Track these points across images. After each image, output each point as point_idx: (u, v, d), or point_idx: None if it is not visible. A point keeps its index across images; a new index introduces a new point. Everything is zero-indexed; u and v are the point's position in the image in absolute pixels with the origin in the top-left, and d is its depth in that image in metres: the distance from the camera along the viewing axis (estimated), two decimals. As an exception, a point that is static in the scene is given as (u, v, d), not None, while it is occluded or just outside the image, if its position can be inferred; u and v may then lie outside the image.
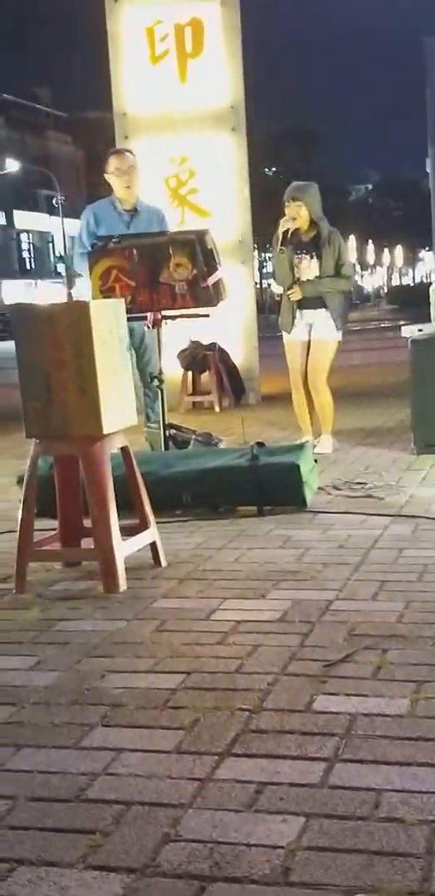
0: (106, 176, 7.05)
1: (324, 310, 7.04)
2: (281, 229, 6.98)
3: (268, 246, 7.49)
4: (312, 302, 7.05)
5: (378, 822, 2.07)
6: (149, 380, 6.27)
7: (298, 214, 7.00)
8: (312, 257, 7.03)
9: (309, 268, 7.03)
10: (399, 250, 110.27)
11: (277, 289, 7.67)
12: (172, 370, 9.57)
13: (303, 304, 7.07)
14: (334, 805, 2.14)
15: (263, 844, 2.00)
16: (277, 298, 7.89)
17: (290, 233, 6.97)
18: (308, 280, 7.03)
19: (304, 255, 7.04)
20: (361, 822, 2.07)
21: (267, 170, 57.79)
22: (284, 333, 7.22)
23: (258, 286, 48.43)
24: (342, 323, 7.17)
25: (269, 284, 61.43)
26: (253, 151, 11.63)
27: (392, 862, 1.92)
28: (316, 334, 7.10)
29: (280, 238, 6.97)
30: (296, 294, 7.01)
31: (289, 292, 7.07)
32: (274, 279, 7.61)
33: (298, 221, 7.01)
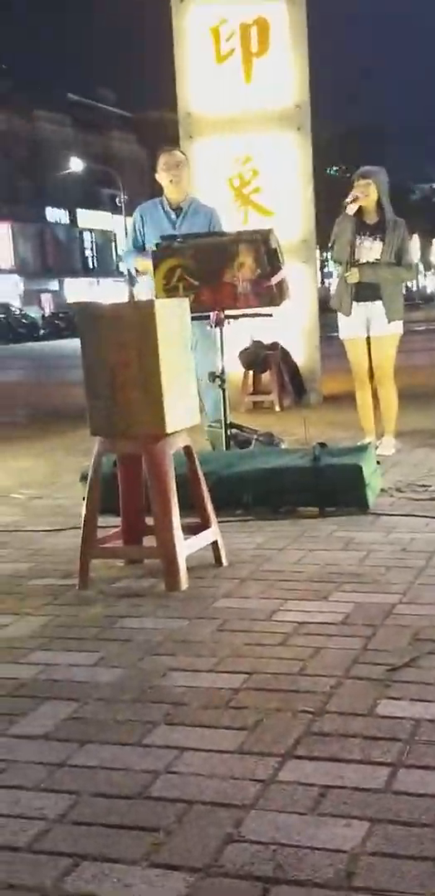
0: (156, 175, 7.08)
1: (380, 302, 6.94)
2: (350, 199, 6.88)
3: (329, 245, 7.36)
4: (368, 292, 6.91)
5: (443, 829, 2.04)
6: (210, 378, 6.27)
7: (367, 192, 6.91)
8: (374, 239, 6.94)
9: (371, 249, 6.92)
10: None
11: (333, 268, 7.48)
12: (233, 369, 9.58)
13: (359, 293, 6.93)
14: (399, 811, 2.13)
15: (327, 848, 1.99)
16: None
17: (357, 206, 6.87)
18: (368, 262, 6.94)
19: (367, 237, 6.95)
20: (426, 828, 2.05)
21: (329, 170, 57.55)
22: (342, 330, 7.12)
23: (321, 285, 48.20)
24: (400, 315, 7.06)
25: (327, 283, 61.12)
26: (317, 150, 11.58)
27: (458, 870, 1.89)
28: (375, 331, 7.01)
29: (350, 201, 6.85)
30: (354, 276, 6.89)
31: (347, 274, 6.97)
32: (331, 253, 7.43)
33: (367, 200, 6.92)
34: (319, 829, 2.07)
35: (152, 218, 7.02)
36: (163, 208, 7.05)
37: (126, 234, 8.36)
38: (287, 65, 10.29)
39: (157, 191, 7.20)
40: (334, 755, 2.40)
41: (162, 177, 7.01)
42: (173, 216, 7.01)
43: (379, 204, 6.97)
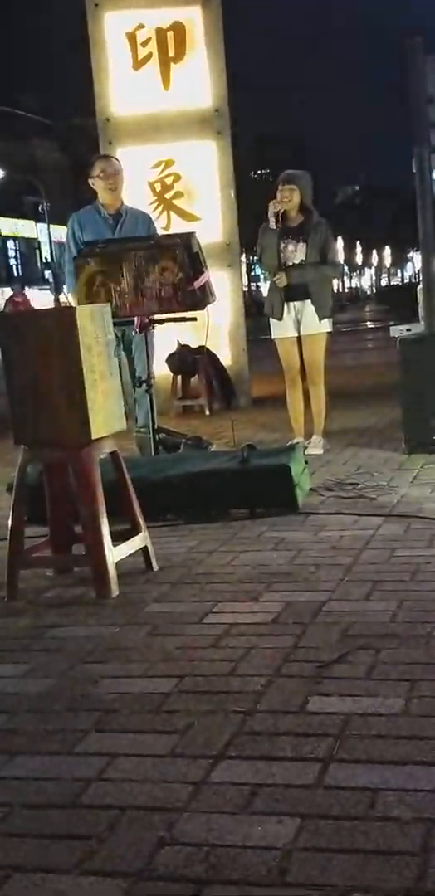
0: (90, 181, 7.05)
1: (309, 301, 7.03)
2: (272, 210, 6.98)
3: (255, 248, 7.50)
4: (297, 291, 7.03)
5: (374, 821, 2.06)
6: (138, 384, 6.28)
7: (290, 198, 7.01)
8: (299, 241, 7.04)
9: (295, 251, 7.03)
10: (387, 251, 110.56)
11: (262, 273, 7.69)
12: (162, 374, 9.57)
13: (289, 293, 7.04)
14: (330, 805, 2.14)
15: (259, 846, 2.00)
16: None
17: (280, 215, 6.97)
18: (294, 265, 7.03)
19: (290, 240, 7.05)
20: (357, 821, 2.07)
21: (253, 173, 57.76)
22: (274, 330, 7.20)
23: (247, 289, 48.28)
24: (328, 313, 7.17)
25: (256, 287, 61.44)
26: (240, 155, 11.63)
27: (388, 861, 1.92)
28: (306, 329, 7.10)
29: (272, 221, 6.96)
30: (282, 280, 7.00)
31: (275, 278, 7.07)
32: (259, 260, 7.59)
33: (289, 205, 7.01)
34: (252, 828, 2.07)
35: (91, 224, 6.98)
36: (100, 213, 7.03)
37: (50, 241, 8.30)
38: (205, 69, 10.31)
39: (80, 197, 7.15)
40: (266, 754, 2.41)
41: (98, 184, 6.99)
42: (112, 222, 6.99)
43: (302, 207, 7.07)
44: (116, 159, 7.41)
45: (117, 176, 7.00)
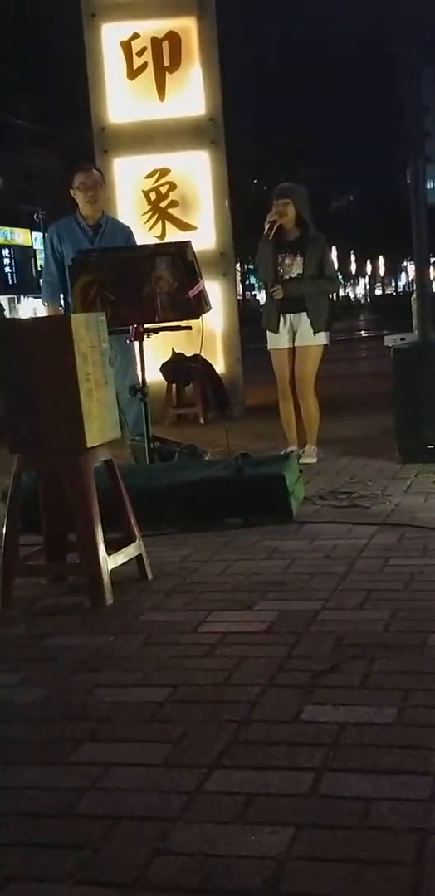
0: (71, 191, 7.10)
1: (305, 314, 7.05)
2: (268, 222, 7.00)
3: (250, 258, 7.58)
4: (294, 304, 7.04)
5: (368, 830, 2.07)
6: (132, 392, 6.29)
7: (285, 211, 7.02)
8: (296, 255, 7.05)
9: (292, 265, 7.05)
10: (381, 261, 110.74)
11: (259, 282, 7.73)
12: (157, 382, 9.58)
13: (285, 306, 7.06)
14: (324, 815, 2.14)
15: (253, 856, 2.00)
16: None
17: (275, 228, 6.99)
18: (290, 278, 7.04)
19: (287, 253, 7.06)
20: (351, 831, 2.07)
21: (251, 183, 57.76)
22: (269, 342, 7.22)
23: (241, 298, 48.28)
24: (325, 327, 7.18)
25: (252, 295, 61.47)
26: (238, 166, 11.65)
27: (382, 870, 1.92)
28: (300, 341, 7.11)
29: (266, 229, 6.99)
30: (278, 293, 7.02)
31: (272, 290, 7.09)
32: (256, 271, 7.66)
33: (285, 219, 7.03)
34: (246, 838, 2.08)
35: (69, 235, 7.03)
36: (79, 225, 7.06)
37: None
38: (200, 79, 10.32)
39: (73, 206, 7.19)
40: (260, 763, 2.41)
41: (78, 195, 7.03)
42: (91, 233, 7.03)
43: (299, 220, 7.08)
44: (97, 170, 7.45)
45: (96, 187, 7.05)
